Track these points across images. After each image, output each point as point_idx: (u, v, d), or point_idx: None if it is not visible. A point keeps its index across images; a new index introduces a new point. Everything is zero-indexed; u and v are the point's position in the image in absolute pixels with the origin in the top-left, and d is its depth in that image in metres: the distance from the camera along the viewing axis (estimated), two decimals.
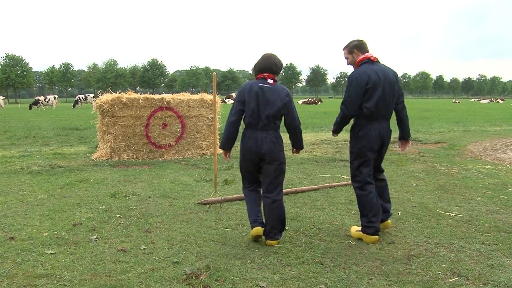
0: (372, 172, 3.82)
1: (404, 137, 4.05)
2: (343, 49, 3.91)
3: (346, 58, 3.89)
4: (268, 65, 3.67)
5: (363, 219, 3.75)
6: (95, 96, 44.47)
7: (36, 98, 37.59)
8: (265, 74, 3.66)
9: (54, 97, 38.78)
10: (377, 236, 3.72)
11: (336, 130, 3.90)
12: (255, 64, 3.76)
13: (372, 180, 3.80)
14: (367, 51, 3.77)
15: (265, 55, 3.75)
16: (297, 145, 3.84)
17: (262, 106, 3.56)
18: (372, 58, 3.73)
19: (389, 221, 3.96)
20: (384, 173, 4.05)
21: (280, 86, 3.66)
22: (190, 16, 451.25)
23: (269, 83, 3.63)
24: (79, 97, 43.33)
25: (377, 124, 3.72)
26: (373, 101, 3.61)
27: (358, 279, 2.97)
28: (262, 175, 3.74)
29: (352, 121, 3.85)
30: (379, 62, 3.77)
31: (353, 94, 3.62)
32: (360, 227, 3.80)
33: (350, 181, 5.89)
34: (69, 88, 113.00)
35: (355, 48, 3.78)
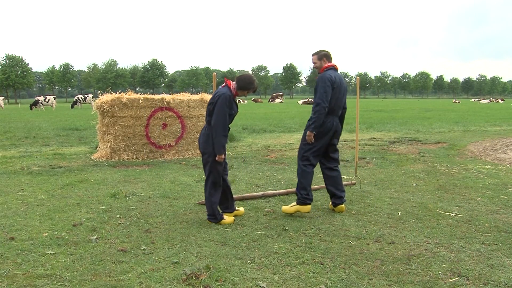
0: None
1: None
2: (313, 55, 4.60)
3: (314, 62, 4.60)
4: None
5: (303, 192, 4.46)
6: (94, 97, 44.51)
7: (36, 98, 37.53)
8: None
9: (54, 98, 38.74)
10: (310, 206, 4.52)
11: (317, 126, 4.37)
12: None
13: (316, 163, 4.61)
14: (332, 61, 4.55)
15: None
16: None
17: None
18: (335, 67, 4.53)
19: (343, 205, 4.67)
20: (339, 165, 4.75)
21: (218, 90, 4.22)
22: (190, 16, 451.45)
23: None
24: (78, 97, 43.08)
25: (331, 118, 4.47)
26: (333, 99, 4.40)
27: (358, 279, 2.97)
28: None
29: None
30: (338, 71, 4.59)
31: (328, 90, 4.33)
32: (292, 204, 4.53)
33: (349, 181, 5.90)
34: (69, 88, 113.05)
35: (325, 57, 4.55)
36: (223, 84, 4.26)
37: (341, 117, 4.70)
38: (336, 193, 4.63)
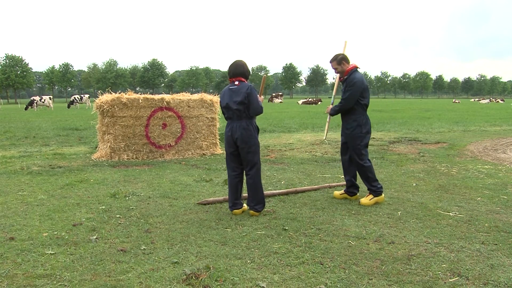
0: None
1: None
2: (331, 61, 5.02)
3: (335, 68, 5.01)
4: (234, 71, 4.50)
5: (375, 183, 4.91)
6: (90, 97, 44.93)
7: (32, 98, 37.48)
8: (233, 79, 4.50)
9: (50, 98, 38.72)
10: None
11: (334, 114, 5.13)
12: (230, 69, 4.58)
13: None
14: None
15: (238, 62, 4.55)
16: None
17: (231, 102, 4.41)
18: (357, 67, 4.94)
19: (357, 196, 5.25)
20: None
21: (244, 84, 4.44)
22: (189, 16, 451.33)
23: (235, 85, 4.46)
24: (74, 97, 43.58)
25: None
26: (368, 98, 4.99)
27: (358, 279, 2.97)
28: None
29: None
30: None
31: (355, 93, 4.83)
32: (369, 198, 4.91)
33: None
34: (69, 88, 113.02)
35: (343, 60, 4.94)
36: (237, 83, 4.52)
37: None
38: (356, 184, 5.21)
